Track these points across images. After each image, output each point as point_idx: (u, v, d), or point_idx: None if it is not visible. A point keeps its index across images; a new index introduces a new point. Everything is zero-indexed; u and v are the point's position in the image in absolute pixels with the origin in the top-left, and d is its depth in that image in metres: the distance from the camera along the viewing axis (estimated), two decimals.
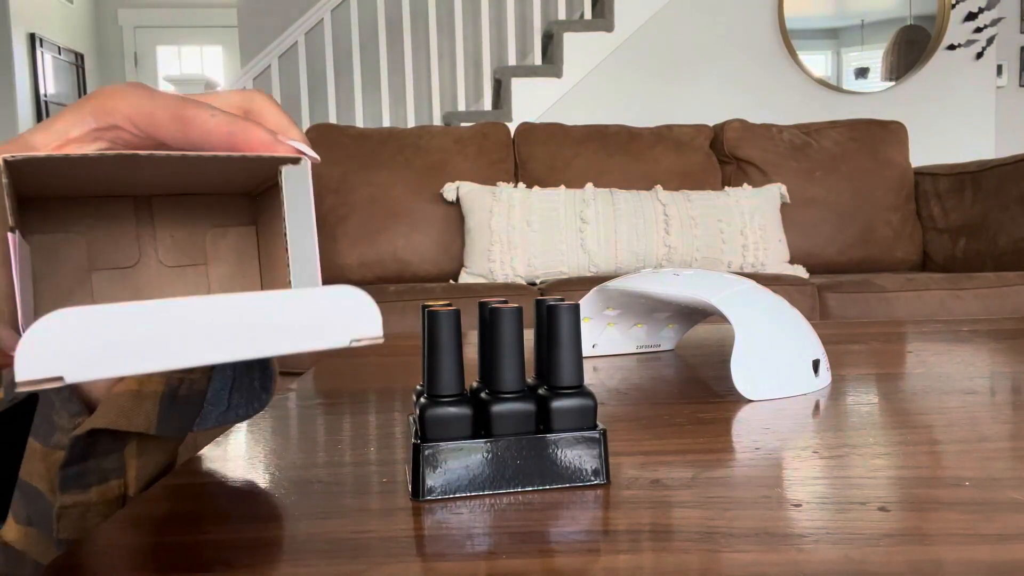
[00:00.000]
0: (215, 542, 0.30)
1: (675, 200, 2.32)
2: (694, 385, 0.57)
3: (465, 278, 2.29)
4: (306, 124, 3.48)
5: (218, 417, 0.45)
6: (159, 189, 0.34)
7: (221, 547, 0.29)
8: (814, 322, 0.82)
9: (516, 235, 2.25)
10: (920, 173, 2.68)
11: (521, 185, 2.37)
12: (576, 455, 0.35)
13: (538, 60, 3.67)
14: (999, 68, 4.44)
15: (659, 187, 2.38)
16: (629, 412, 0.49)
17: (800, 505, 0.32)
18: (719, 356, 0.69)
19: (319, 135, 2.51)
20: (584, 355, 0.67)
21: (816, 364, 0.55)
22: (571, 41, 3.42)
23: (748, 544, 0.28)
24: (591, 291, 0.68)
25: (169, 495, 0.35)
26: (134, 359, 0.23)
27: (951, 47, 3.62)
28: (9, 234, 0.26)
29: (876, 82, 3.66)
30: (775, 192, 2.45)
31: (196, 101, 0.28)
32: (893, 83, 3.64)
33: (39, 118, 5.37)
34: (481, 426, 0.35)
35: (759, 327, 0.54)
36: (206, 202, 0.36)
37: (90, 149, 0.28)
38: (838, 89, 3.63)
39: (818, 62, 3.64)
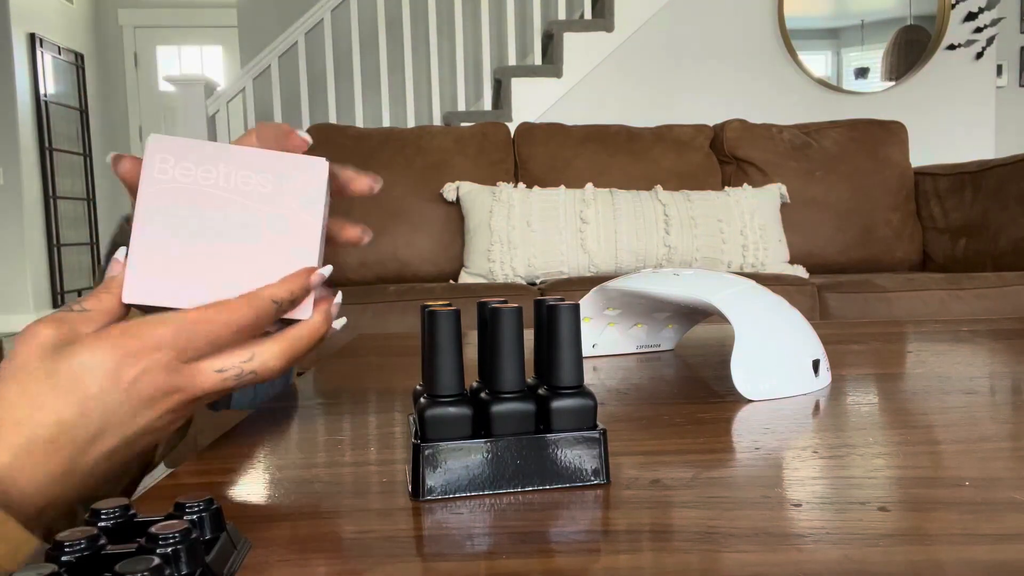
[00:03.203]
0: None
1: (675, 200, 2.32)
2: (694, 385, 0.57)
3: (465, 278, 2.29)
4: (306, 124, 3.48)
5: (243, 401, 0.53)
6: None
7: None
8: (814, 322, 0.82)
9: (516, 235, 2.25)
10: (920, 173, 2.68)
11: (521, 185, 2.37)
12: (576, 455, 0.35)
13: (538, 60, 3.67)
14: (999, 68, 4.44)
15: (659, 187, 2.38)
16: (629, 412, 0.49)
17: (800, 505, 0.32)
18: (719, 356, 0.69)
19: (319, 135, 2.51)
20: (584, 355, 0.67)
21: (816, 364, 0.55)
22: (571, 41, 3.42)
23: (748, 544, 0.28)
24: (591, 291, 0.68)
25: (170, 494, 0.35)
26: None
27: (951, 47, 3.61)
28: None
29: (876, 82, 3.66)
30: (775, 192, 2.45)
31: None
32: (893, 83, 3.64)
33: (39, 118, 5.36)
34: (481, 426, 0.35)
35: (759, 327, 0.54)
36: None
37: None
38: (838, 89, 3.62)
39: (818, 62, 3.64)
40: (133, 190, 0.40)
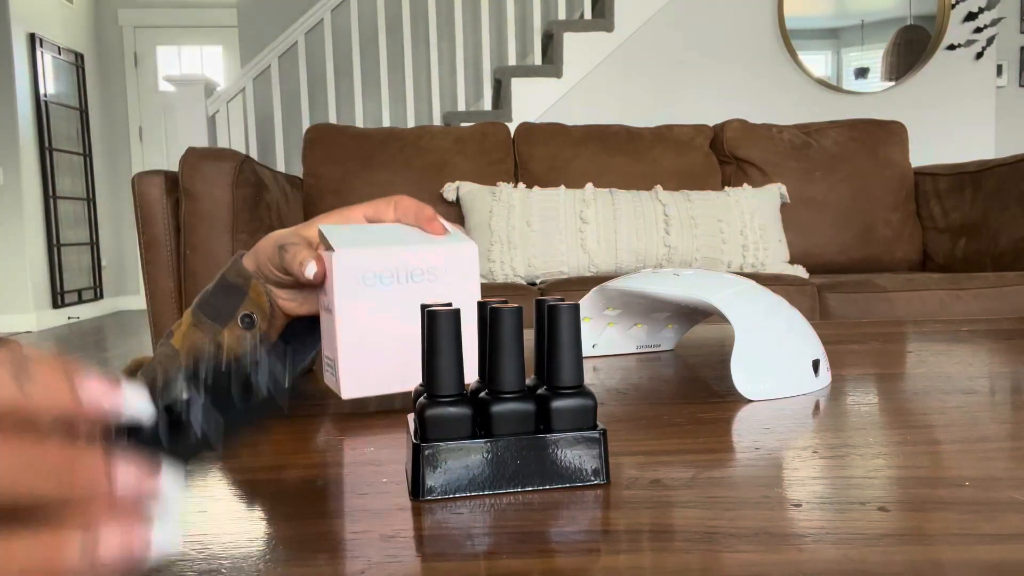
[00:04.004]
0: (218, 541, 0.30)
1: (675, 200, 2.32)
2: (694, 385, 0.57)
3: None
4: (306, 124, 3.48)
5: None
6: None
7: (223, 546, 0.29)
8: (814, 322, 0.82)
9: (516, 235, 2.25)
10: (920, 173, 2.68)
11: (521, 185, 2.37)
12: (576, 455, 0.35)
13: (538, 60, 3.66)
14: (999, 68, 4.43)
15: (659, 187, 2.38)
16: (629, 412, 0.49)
17: (800, 505, 0.32)
18: (719, 356, 0.69)
19: (319, 135, 2.51)
20: (584, 355, 0.67)
21: (816, 364, 0.55)
22: (571, 41, 3.42)
23: (748, 544, 0.28)
24: (591, 291, 0.68)
25: None
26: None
27: (951, 47, 3.61)
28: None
29: (876, 82, 3.65)
30: (775, 192, 2.45)
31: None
32: (893, 83, 3.64)
33: (39, 118, 5.36)
34: (481, 426, 0.35)
35: (759, 327, 0.54)
36: None
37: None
38: (838, 89, 3.62)
39: (818, 62, 3.63)
40: (312, 285, 0.50)
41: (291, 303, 0.53)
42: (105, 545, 0.19)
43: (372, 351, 0.47)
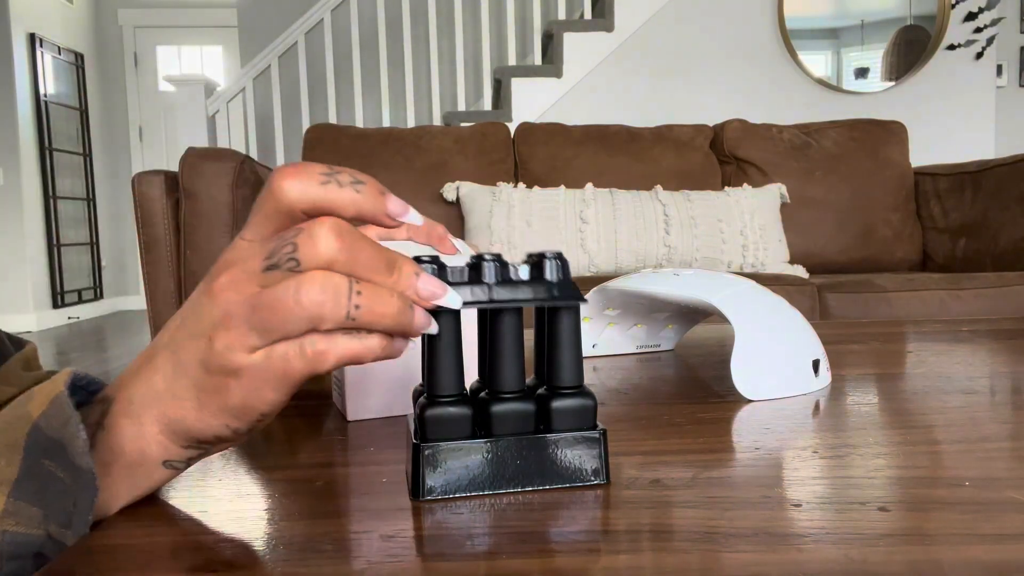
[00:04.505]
0: (217, 541, 0.30)
1: (675, 200, 2.32)
2: (694, 385, 0.57)
3: None
4: (306, 124, 3.48)
5: None
6: None
7: (223, 546, 0.29)
8: (814, 322, 0.82)
9: (516, 235, 2.25)
10: (920, 173, 2.68)
11: (521, 185, 2.37)
12: (576, 455, 0.35)
13: (538, 60, 3.67)
14: (999, 68, 4.43)
15: (659, 187, 2.38)
16: (629, 412, 0.49)
17: (800, 505, 0.32)
18: (719, 356, 0.69)
19: (319, 135, 2.51)
20: (584, 355, 0.67)
21: (816, 364, 0.55)
22: (571, 41, 3.42)
23: (748, 544, 0.28)
24: (591, 291, 0.68)
25: (171, 495, 0.35)
26: None
27: (951, 47, 3.61)
28: None
29: (876, 82, 3.66)
30: (775, 192, 2.45)
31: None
32: (893, 83, 3.64)
33: (39, 118, 5.36)
34: (481, 426, 0.35)
35: (759, 327, 0.54)
36: None
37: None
38: (838, 89, 3.62)
39: (818, 62, 3.64)
40: None
41: None
42: (414, 314, 0.31)
43: (380, 373, 0.47)
